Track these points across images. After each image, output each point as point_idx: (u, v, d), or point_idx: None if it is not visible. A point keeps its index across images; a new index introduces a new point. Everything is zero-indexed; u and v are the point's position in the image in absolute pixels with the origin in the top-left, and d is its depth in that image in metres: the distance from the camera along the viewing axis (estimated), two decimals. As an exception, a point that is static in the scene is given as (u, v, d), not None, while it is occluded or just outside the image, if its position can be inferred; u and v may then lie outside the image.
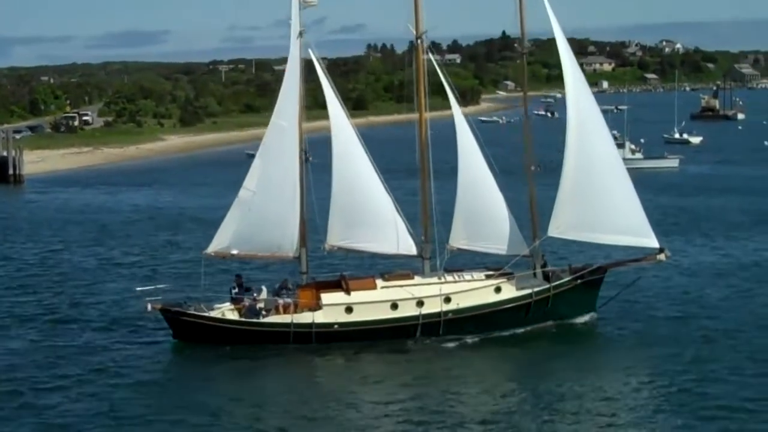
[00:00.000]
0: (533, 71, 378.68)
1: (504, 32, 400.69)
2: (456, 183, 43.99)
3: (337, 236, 43.35)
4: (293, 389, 36.62)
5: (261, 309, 41.53)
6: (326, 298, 41.48)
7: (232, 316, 41.64)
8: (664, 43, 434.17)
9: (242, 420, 33.35)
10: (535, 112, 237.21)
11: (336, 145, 44.13)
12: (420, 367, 38.79)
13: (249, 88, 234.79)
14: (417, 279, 42.50)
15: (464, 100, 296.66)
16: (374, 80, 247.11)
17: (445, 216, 43.71)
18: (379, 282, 42.11)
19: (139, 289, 44.03)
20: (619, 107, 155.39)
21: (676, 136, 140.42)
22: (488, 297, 42.26)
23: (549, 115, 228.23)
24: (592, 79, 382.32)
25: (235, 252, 43.36)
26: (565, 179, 43.44)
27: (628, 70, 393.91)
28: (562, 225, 43.40)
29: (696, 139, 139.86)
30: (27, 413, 33.89)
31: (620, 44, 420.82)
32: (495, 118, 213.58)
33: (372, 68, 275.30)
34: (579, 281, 43.21)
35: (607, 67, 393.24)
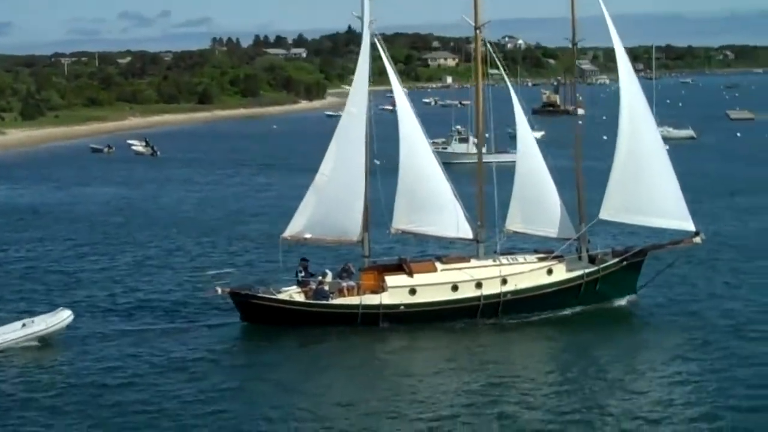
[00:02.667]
0: (379, 67, 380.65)
1: (350, 27, 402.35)
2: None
3: (402, 220, 45.08)
4: (359, 370, 38.27)
5: (329, 292, 42.64)
6: (390, 280, 42.85)
7: (300, 298, 42.89)
8: (506, 39, 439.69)
9: (313, 400, 34.40)
10: (381, 107, 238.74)
11: (402, 132, 45.44)
12: (478, 347, 40.28)
13: (92, 81, 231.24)
14: (474, 262, 44.07)
15: (310, 94, 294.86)
16: (220, 74, 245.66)
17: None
18: (439, 265, 43.66)
19: (210, 273, 45.29)
20: (463, 102, 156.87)
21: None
22: (542, 279, 44.18)
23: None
24: (437, 74, 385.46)
25: (308, 236, 44.89)
26: (616, 165, 45.56)
27: (472, 66, 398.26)
28: (613, 208, 45.57)
29: (538, 134, 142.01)
30: (99, 397, 34.82)
31: (464, 40, 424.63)
32: (340, 113, 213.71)
33: (217, 62, 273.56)
34: (624, 263, 45.21)
35: (451, 62, 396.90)
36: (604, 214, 45.77)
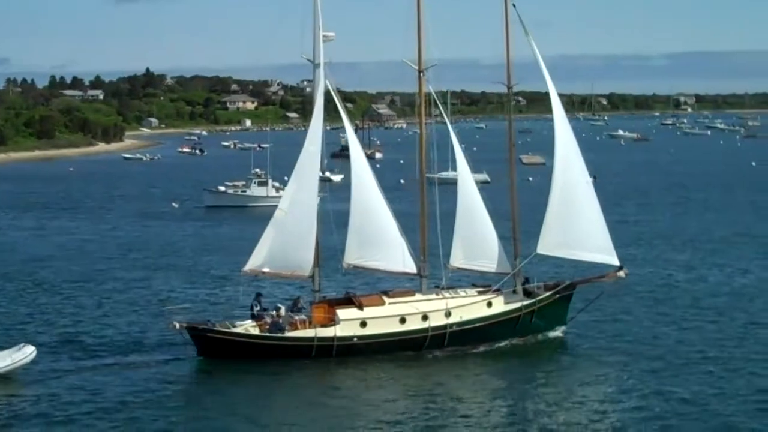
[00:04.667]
0: (177, 108, 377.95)
1: (148, 69, 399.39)
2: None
3: (353, 255, 46.59)
4: (313, 402, 39.18)
5: (284, 325, 43.69)
6: (342, 313, 44.18)
7: (255, 332, 43.95)
8: (305, 83, 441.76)
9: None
10: (179, 149, 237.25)
11: (354, 172, 47.42)
12: (426, 379, 41.91)
13: None
14: (418, 295, 45.92)
15: (107, 137, 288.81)
16: (14, 115, 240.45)
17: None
18: (386, 299, 45.31)
19: (167, 308, 46.47)
20: (262, 145, 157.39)
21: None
22: (483, 312, 46.10)
23: (198, 152, 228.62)
24: (236, 117, 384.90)
25: (266, 270, 45.97)
26: (552, 203, 48.16)
27: (271, 109, 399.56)
28: (549, 244, 47.98)
29: (338, 177, 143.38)
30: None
31: (262, 83, 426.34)
32: (138, 155, 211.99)
33: (12, 103, 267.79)
34: (557, 296, 47.52)
35: (250, 105, 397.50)
36: (542, 249, 48.00)
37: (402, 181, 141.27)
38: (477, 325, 45.77)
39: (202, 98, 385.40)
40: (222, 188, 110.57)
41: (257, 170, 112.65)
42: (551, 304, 47.69)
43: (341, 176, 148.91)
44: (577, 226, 47.91)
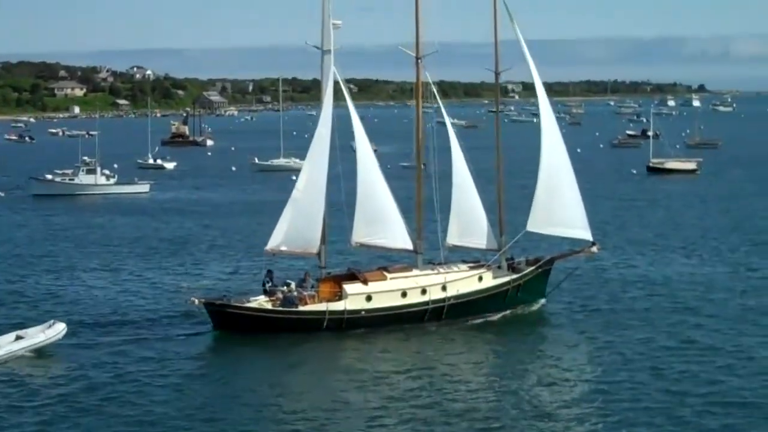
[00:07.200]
0: (3, 95, 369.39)
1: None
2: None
3: (360, 234, 49.01)
4: (327, 372, 41.67)
5: (295, 300, 45.76)
6: (350, 288, 46.42)
7: (269, 307, 46.04)
8: (135, 69, 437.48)
9: (283, 406, 36.89)
10: (6, 137, 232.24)
11: (360, 156, 49.25)
12: (428, 349, 44.53)
13: None
14: (415, 271, 48.53)
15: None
16: None
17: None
18: (387, 274, 47.82)
19: (183, 285, 49.19)
20: (91, 133, 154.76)
21: (150, 161, 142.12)
22: (476, 285, 48.91)
23: (28, 139, 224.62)
24: (64, 104, 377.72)
25: (284, 248, 48.07)
26: (540, 184, 51.68)
27: (100, 96, 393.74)
28: (538, 221, 51.40)
29: (170, 165, 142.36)
30: (74, 406, 36.61)
31: (91, 69, 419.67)
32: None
33: None
34: (539, 270, 50.77)
35: (79, 92, 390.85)
36: (531, 226, 51.42)
37: (233, 168, 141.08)
38: (471, 298, 48.54)
39: (29, 84, 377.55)
40: (49, 176, 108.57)
41: (86, 158, 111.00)
42: (534, 278, 50.81)
43: (174, 164, 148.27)
44: (561, 206, 51.54)
